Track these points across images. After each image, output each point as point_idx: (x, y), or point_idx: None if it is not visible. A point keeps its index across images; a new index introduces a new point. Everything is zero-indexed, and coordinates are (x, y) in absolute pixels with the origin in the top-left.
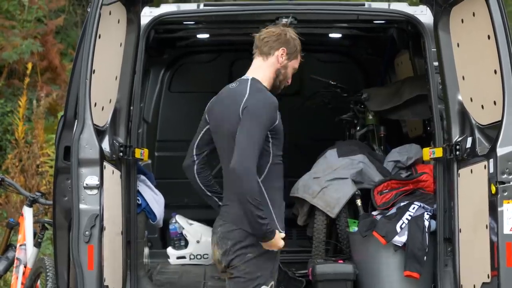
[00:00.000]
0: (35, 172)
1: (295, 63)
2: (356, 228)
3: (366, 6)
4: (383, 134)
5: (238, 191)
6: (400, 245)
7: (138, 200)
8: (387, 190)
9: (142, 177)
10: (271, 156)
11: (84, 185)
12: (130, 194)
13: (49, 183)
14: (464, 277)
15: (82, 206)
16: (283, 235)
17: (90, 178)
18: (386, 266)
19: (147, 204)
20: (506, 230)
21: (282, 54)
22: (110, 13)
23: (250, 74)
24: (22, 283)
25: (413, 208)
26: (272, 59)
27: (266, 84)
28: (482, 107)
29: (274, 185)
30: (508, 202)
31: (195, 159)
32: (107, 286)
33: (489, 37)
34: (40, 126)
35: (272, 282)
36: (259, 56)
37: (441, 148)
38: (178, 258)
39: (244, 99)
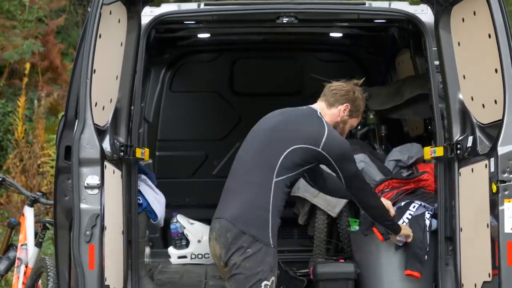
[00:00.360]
0: (36, 172)
1: (354, 122)
2: (357, 227)
3: (367, 5)
4: (384, 133)
5: (377, 218)
6: (401, 244)
7: (139, 200)
8: (388, 189)
9: (143, 176)
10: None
11: (85, 184)
12: (131, 193)
13: (50, 183)
14: (465, 276)
15: (83, 205)
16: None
17: (91, 177)
18: (387, 265)
19: (148, 204)
20: (507, 229)
21: (345, 110)
22: (110, 13)
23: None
24: (23, 283)
25: (414, 207)
26: (335, 111)
27: None
28: (483, 106)
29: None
30: (509, 201)
31: None
32: (108, 285)
33: (489, 36)
34: (41, 126)
35: (273, 278)
36: (323, 102)
37: (442, 147)
38: (179, 257)
39: (325, 135)
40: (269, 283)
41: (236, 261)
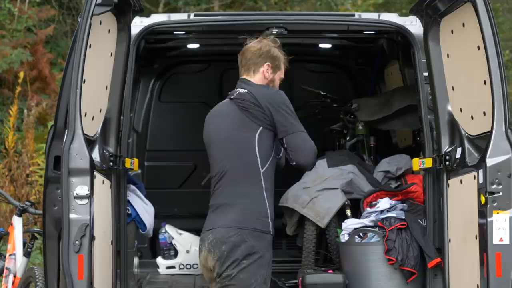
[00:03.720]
0: (25, 181)
1: (279, 75)
2: (346, 238)
3: (356, 16)
4: (373, 144)
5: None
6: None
7: (128, 210)
8: (376, 202)
9: (132, 186)
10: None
11: (74, 194)
12: (120, 203)
13: (39, 193)
14: (453, 287)
15: (72, 215)
16: None
17: (80, 187)
18: (376, 276)
19: (137, 214)
20: (495, 241)
21: (267, 69)
22: (100, 23)
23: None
24: None
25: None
26: (259, 76)
27: None
28: (472, 117)
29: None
30: (498, 213)
31: None
32: None
33: (478, 48)
34: (30, 136)
35: None
36: (246, 74)
37: (430, 159)
38: (168, 268)
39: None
40: None
41: (231, 274)
